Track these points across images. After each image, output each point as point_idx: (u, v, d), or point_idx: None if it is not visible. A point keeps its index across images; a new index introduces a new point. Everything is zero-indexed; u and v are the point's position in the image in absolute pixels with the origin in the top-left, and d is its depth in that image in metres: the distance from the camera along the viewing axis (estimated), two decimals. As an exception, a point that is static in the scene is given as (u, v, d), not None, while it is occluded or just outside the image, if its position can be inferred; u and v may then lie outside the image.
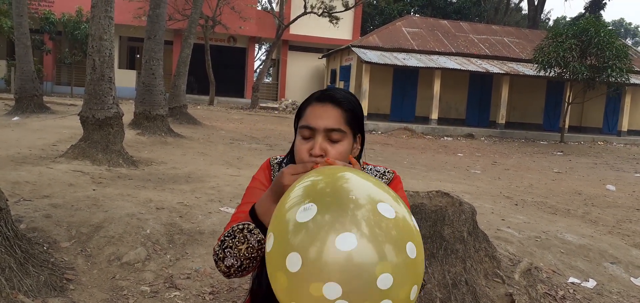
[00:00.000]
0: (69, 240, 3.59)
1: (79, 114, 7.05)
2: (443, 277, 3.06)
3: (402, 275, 0.87)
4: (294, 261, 0.86)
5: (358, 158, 1.30)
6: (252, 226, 1.11)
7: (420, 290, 1.19)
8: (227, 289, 3.26)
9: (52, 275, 3.11)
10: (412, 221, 0.94)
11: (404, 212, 0.93)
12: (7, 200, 3.18)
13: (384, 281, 0.85)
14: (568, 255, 4.22)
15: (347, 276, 0.83)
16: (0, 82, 21.29)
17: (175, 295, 3.13)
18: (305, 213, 0.89)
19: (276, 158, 1.35)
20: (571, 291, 3.53)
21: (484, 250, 3.37)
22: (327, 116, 1.19)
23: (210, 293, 3.19)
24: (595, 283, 3.73)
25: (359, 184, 0.94)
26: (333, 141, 1.19)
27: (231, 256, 1.10)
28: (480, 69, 18.47)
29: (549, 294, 3.40)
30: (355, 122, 1.23)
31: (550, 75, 16.83)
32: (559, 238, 4.61)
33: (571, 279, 3.74)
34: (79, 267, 3.33)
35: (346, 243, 0.84)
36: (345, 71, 20.45)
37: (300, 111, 1.25)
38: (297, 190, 0.95)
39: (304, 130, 1.20)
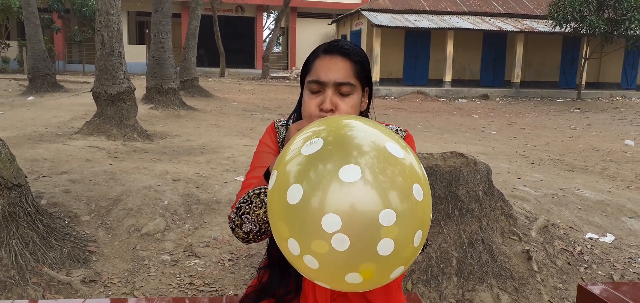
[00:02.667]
0: (89, 213, 3.66)
1: (91, 91, 7.10)
2: (459, 236, 3.07)
3: (406, 215, 0.83)
4: (294, 193, 0.84)
5: (366, 112, 1.27)
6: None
7: (423, 249, 1.16)
8: (246, 255, 3.31)
9: (74, 247, 3.18)
10: (420, 167, 0.91)
11: (411, 157, 0.90)
12: (26, 177, 3.24)
13: (387, 217, 0.81)
14: (585, 211, 4.18)
15: (347, 208, 0.80)
16: (13, 63, 21.49)
17: (196, 263, 3.19)
18: (311, 146, 0.87)
19: (281, 120, 1.32)
20: (589, 246, 3.51)
21: (499, 208, 3.36)
22: (337, 69, 1.15)
23: (229, 260, 3.25)
24: (614, 237, 3.70)
25: (366, 129, 0.91)
26: (343, 95, 1.16)
27: (249, 221, 1.09)
28: (494, 28, 18.06)
29: (566, 250, 3.39)
30: (363, 74, 1.20)
31: (566, 31, 16.39)
32: (576, 194, 4.57)
33: (589, 235, 3.71)
34: (100, 239, 3.40)
35: (349, 175, 0.81)
36: (356, 36, 20.18)
37: (307, 65, 1.21)
38: (303, 134, 0.93)
39: (313, 84, 1.17)
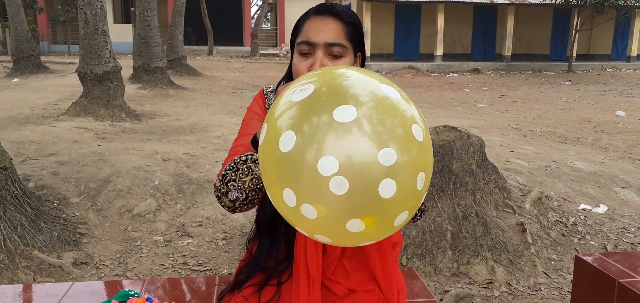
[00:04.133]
0: (78, 195, 3.60)
1: (77, 71, 6.94)
2: (453, 210, 3.05)
3: (407, 154, 0.78)
4: (287, 141, 0.78)
5: None
6: (255, 156, 1.04)
7: (421, 213, 1.12)
8: (239, 234, 3.28)
9: (64, 230, 3.13)
10: (419, 112, 0.86)
11: (410, 102, 0.85)
12: (11, 160, 3.16)
13: (386, 156, 0.76)
14: (578, 182, 4.19)
15: (344, 149, 0.75)
16: (-4, 45, 21.00)
17: (189, 243, 3.16)
18: (302, 93, 0.82)
19: (270, 87, 1.27)
20: (582, 217, 3.52)
21: (493, 181, 3.35)
22: (327, 30, 1.11)
23: (222, 239, 3.21)
24: (606, 208, 3.72)
25: (359, 73, 0.86)
26: (334, 57, 1.11)
27: (235, 189, 1.04)
28: (484, 1, 17.94)
29: (560, 221, 3.40)
30: (356, 37, 1.15)
31: (557, 2, 16.32)
32: (569, 166, 4.57)
33: (582, 206, 3.73)
34: (91, 220, 3.35)
35: (344, 115, 0.76)
36: (346, 11, 19.92)
37: (297, 27, 1.17)
38: (291, 88, 0.88)
39: (303, 46, 1.12)
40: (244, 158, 1.04)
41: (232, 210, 1.08)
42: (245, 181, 1.03)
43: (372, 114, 0.77)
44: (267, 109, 1.23)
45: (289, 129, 0.79)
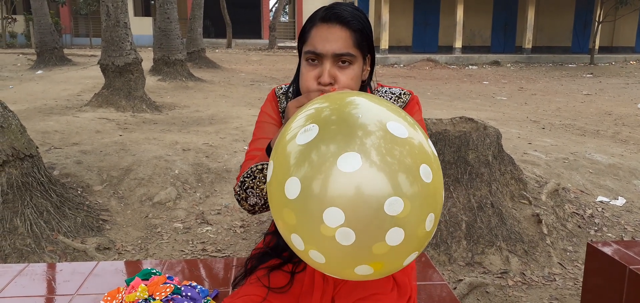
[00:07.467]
0: (101, 183, 3.71)
1: (99, 63, 7.10)
2: (468, 200, 3.07)
3: (415, 200, 0.76)
4: (292, 188, 0.77)
5: (368, 80, 1.20)
6: None
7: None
8: (257, 222, 3.35)
9: (88, 216, 3.24)
10: (429, 145, 0.84)
11: (419, 135, 0.83)
12: (37, 148, 3.28)
13: (393, 206, 0.74)
14: (597, 174, 4.15)
15: (350, 200, 0.73)
16: (20, 38, 21.50)
17: (208, 230, 3.24)
18: (306, 134, 0.80)
19: (281, 88, 1.26)
20: (599, 209, 3.49)
21: (509, 172, 3.34)
22: (335, 39, 1.07)
23: (240, 227, 3.29)
24: (625, 200, 3.68)
25: (369, 108, 0.83)
26: (342, 66, 1.09)
27: (253, 195, 1.09)
28: (504, -8, 17.66)
29: (576, 213, 3.38)
30: (365, 43, 1.11)
31: (580, -7, 15.97)
32: (587, 158, 4.53)
33: (600, 198, 3.69)
34: (113, 208, 3.45)
35: (349, 164, 0.74)
36: (364, 3, 19.85)
37: (303, 33, 1.13)
38: (299, 118, 0.86)
39: (310, 55, 1.10)
40: (260, 167, 1.07)
41: (253, 212, 1.13)
42: (262, 189, 1.07)
43: (378, 160, 0.75)
44: (280, 111, 1.23)
45: (294, 176, 0.78)
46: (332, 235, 0.75)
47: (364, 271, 0.80)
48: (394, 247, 0.77)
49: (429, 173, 0.79)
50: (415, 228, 0.78)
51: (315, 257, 0.81)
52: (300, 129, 0.82)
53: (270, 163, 0.85)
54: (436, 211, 0.81)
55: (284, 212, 0.80)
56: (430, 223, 0.80)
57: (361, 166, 0.74)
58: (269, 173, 0.85)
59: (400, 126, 0.80)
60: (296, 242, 0.82)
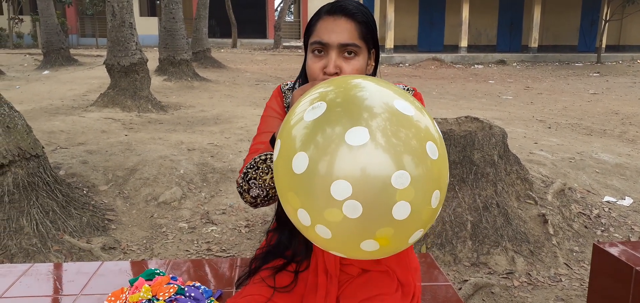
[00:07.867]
0: (106, 183, 3.73)
1: (104, 63, 7.14)
2: (474, 200, 3.05)
3: (421, 175, 0.78)
4: (300, 163, 0.79)
5: (373, 74, 1.22)
6: None
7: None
8: (262, 221, 3.35)
9: (93, 216, 3.25)
10: (435, 126, 0.85)
11: (425, 116, 0.85)
12: (43, 148, 3.29)
13: (400, 179, 0.76)
14: (603, 174, 4.12)
15: (357, 173, 0.75)
16: (27, 38, 21.65)
17: (213, 230, 3.24)
18: (314, 111, 0.81)
19: (287, 84, 1.28)
20: (606, 209, 3.47)
21: (515, 172, 3.32)
22: (340, 30, 1.10)
23: (245, 226, 3.29)
24: (632, 200, 3.65)
25: (372, 89, 0.85)
26: (347, 57, 1.11)
27: (256, 187, 1.09)
28: (510, -9, 17.57)
29: (583, 213, 3.36)
30: (369, 35, 1.14)
31: (587, -9, 15.86)
32: (594, 158, 4.49)
33: (606, 198, 3.67)
34: (118, 207, 3.47)
35: (357, 138, 0.76)
36: (369, 1, 19.82)
37: (310, 26, 1.16)
38: (304, 102, 0.87)
39: (316, 46, 1.12)
40: (263, 157, 1.08)
41: (254, 205, 1.12)
42: (265, 180, 1.07)
43: (385, 134, 0.77)
44: (285, 106, 1.25)
45: (302, 151, 0.79)
46: (339, 209, 0.76)
47: (369, 246, 0.81)
48: (401, 221, 0.78)
49: (435, 150, 0.81)
50: (421, 203, 0.79)
51: (321, 233, 0.81)
52: (309, 107, 0.83)
53: (277, 142, 0.87)
54: (442, 188, 0.83)
55: (291, 187, 0.81)
56: (435, 199, 0.81)
57: (369, 140, 0.76)
58: (276, 151, 0.86)
59: (406, 104, 0.83)
60: (303, 218, 0.82)
